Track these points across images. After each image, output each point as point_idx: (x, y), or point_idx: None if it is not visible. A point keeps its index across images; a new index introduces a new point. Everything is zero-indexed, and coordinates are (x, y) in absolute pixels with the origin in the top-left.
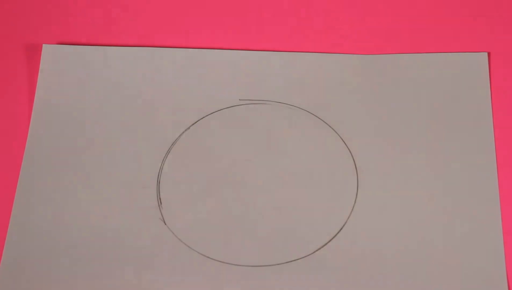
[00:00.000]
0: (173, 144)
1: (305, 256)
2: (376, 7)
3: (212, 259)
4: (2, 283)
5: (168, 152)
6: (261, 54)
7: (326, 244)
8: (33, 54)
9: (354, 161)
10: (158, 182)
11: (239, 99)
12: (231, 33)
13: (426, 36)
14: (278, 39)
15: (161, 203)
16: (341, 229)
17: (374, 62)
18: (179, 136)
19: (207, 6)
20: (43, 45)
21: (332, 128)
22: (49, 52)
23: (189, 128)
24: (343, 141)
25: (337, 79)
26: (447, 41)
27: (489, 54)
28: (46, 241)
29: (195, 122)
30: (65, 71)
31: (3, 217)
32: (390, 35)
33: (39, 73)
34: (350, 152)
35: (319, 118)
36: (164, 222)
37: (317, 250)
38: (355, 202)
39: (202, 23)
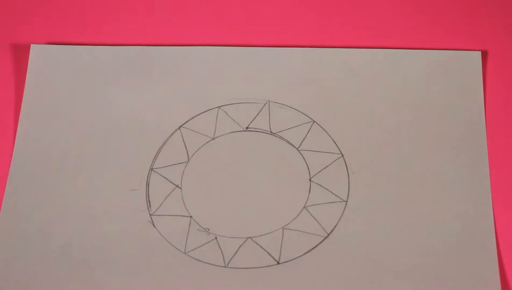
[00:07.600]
0: (162, 145)
1: (296, 258)
2: (370, 2)
3: (202, 261)
4: None
5: (157, 153)
6: (252, 50)
7: (317, 245)
8: (21, 54)
9: (345, 161)
10: (147, 184)
11: (231, 98)
12: (220, 29)
13: (421, 32)
14: (271, 34)
15: (150, 205)
16: (332, 230)
17: (365, 56)
18: (168, 137)
19: (198, 4)
20: (31, 45)
21: (323, 128)
22: (37, 52)
23: (178, 129)
24: (334, 142)
25: (327, 74)
26: (442, 39)
27: (483, 52)
28: (35, 244)
29: (185, 123)
30: (53, 71)
31: None
32: (384, 30)
33: (27, 73)
34: (341, 152)
35: (309, 116)
36: (153, 225)
37: (307, 252)
38: (346, 203)
39: (191, 21)
